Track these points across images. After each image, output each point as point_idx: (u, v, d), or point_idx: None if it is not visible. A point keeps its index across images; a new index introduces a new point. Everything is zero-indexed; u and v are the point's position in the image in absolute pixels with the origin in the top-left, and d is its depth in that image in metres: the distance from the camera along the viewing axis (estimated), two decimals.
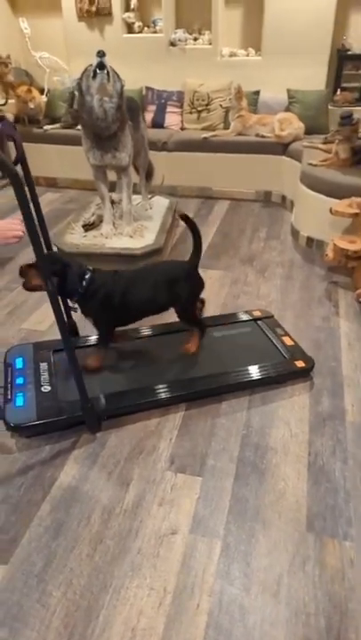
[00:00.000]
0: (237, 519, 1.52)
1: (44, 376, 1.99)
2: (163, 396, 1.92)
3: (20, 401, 1.85)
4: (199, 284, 2.11)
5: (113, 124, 2.59)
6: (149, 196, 3.57)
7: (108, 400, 1.87)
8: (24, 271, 1.79)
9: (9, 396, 1.87)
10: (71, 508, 1.57)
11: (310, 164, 3.29)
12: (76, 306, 1.93)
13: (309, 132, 4.10)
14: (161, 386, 1.95)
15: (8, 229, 1.61)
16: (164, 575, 1.37)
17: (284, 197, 4.10)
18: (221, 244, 3.42)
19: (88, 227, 3.11)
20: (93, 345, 2.18)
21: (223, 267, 3.09)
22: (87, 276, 1.87)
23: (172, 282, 2.00)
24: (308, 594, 1.32)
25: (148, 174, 3.49)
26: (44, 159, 4.58)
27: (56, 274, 1.77)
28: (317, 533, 1.47)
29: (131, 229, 3.03)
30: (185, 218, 1.97)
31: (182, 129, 4.61)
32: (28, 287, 1.82)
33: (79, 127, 4.49)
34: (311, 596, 1.32)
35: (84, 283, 1.86)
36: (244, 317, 2.41)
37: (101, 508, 1.57)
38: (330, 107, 4.29)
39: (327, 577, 1.36)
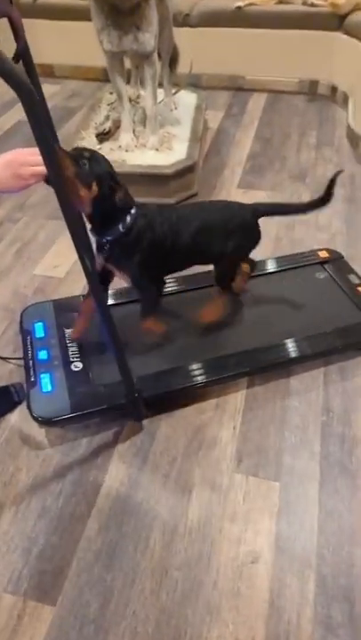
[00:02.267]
0: (331, 542, 1.24)
1: (73, 348, 1.60)
2: (217, 374, 1.54)
3: (46, 384, 1.49)
4: (256, 239, 1.60)
5: None
6: (174, 91, 2.88)
7: (153, 381, 1.51)
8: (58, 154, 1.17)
9: (32, 378, 1.51)
10: (124, 525, 1.29)
11: None
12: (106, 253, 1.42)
13: None
14: (214, 361, 1.57)
15: (24, 163, 1.11)
16: (250, 621, 1.12)
17: (334, 88, 3.35)
18: (263, 153, 2.81)
19: (102, 136, 2.51)
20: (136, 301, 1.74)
21: (269, 186, 2.54)
22: (133, 211, 1.37)
23: (229, 230, 1.51)
24: None
25: (173, 60, 2.76)
26: (36, 40, 3.65)
27: (100, 184, 1.26)
28: None
29: (156, 140, 2.44)
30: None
31: None
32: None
33: None
34: None
35: (129, 218, 1.36)
36: (309, 260, 1.95)
37: (161, 525, 1.28)
38: None
39: None
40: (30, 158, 1.14)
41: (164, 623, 1.12)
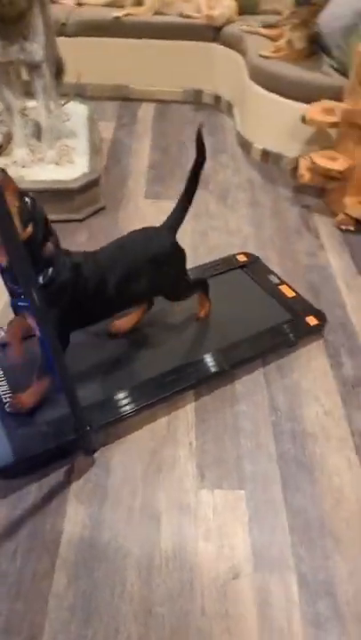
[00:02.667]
0: (303, 539, 1.26)
1: (3, 387, 1.45)
2: (164, 391, 1.50)
3: None
4: (184, 255, 1.58)
5: (21, 0, 1.78)
6: (63, 102, 2.77)
7: (100, 410, 1.42)
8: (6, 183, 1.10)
9: None
10: (95, 571, 1.19)
11: (262, 56, 2.73)
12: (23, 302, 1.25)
13: (239, 11, 3.41)
14: (157, 379, 1.52)
15: None
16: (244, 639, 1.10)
17: (218, 97, 3.48)
18: (163, 163, 2.83)
19: None
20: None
21: (176, 195, 2.47)
22: (59, 261, 1.26)
23: (158, 261, 1.46)
24: None
25: (59, 70, 2.65)
26: None
27: (36, 226, 1.17)
28: None
29: (55, 153, 2.33)
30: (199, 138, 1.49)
31: (79, 4, 3.60)
32: None
33: None
34: None
35: (50, 271, 1.24)
36: (229, 265, 2.00)
37: (135, 562, 1.21)
38: None
39: None
40: None
41: None
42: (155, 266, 1.45)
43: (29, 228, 1.15)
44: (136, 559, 1.21)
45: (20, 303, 1.23)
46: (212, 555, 1.23)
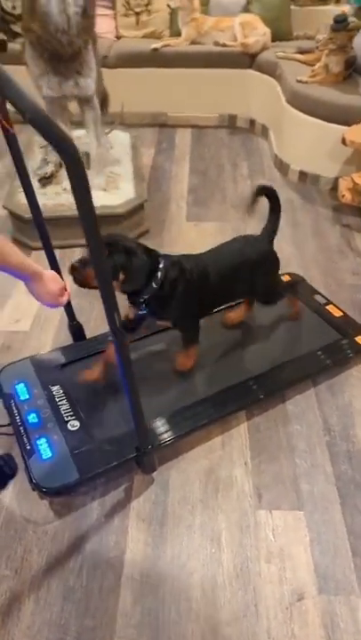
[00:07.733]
0: None
1: (65, 406, 1.50)
2: (221, 410, 1.53)
3: (46, 450, 1.37)
4: (278, 262, 1.70)
5: (78, 38, 1.89)
6: (107, 131, 2.88)
7: (159, 429, 1.45)
8: (78, 270, 1.34)
9: (27, 445, 1.39)
10: (159, 588, 1.21)
11: (300, 82, 2.79)
12: (144, 310, 1.46)
13: (272, 38, 3.51)
14: (210, 400, 1.55)
15: (55, 281, 1.18)
16: None
17: (252, 121, 3.56)
18: (203, 186, 2.90)
19: (45, 180, 2.43)
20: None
21: (217, 216, 2.62)
22: (161, 265, 1.41)
23: (252, 265, 1.59)
24: None
25: (103, 101, 2.77)
26: None
27: (126, 270, 1.34)
28: None
29: (102, 180, 2.42)
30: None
31: (118, 37, 3.77)
32: (83, 284, 1.35)
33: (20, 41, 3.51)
34: None
35: (159, 274, 1.40)
36: None
37: (199, 581, 1.22)
38: (292, 7, 3.69)
39: None
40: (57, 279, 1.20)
41: None
42: (251, 268, 1.58)
43: (121, 276, 1.33)
44: (200, 577, 1.23)
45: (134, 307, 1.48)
46: (276, 576, 1.23)
